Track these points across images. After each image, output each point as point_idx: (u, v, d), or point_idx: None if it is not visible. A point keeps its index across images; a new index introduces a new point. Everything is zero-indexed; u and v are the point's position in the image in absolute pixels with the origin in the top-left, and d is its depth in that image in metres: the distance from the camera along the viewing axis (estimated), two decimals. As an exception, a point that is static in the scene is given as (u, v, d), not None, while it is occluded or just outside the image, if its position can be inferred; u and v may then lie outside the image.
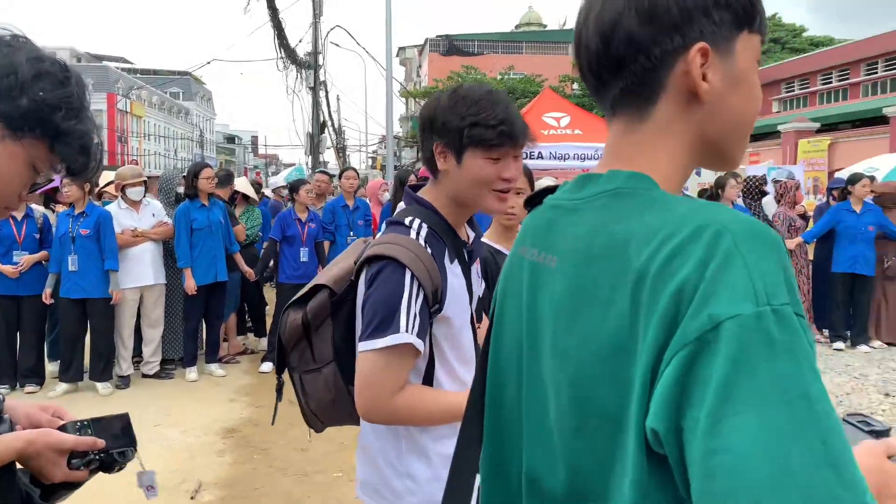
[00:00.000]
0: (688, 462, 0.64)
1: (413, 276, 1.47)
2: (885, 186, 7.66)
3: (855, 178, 7.24)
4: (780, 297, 0.65)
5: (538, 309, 0.88)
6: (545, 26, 53.22)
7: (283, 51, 17.05)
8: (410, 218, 1.57)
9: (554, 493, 0.84)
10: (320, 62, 18.03)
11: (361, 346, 1.49)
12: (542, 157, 9.71)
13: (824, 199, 9.33)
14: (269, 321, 7.21)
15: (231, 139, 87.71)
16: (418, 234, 1.54)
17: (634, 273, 0.72)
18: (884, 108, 13.37)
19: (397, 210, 1.65)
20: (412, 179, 5.93)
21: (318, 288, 1.67)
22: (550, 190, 0.97)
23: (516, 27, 54.08)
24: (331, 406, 1.70)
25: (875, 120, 14.84)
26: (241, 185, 7.66)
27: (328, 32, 21.24)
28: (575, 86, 33.57)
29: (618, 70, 0.83)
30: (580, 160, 9.81)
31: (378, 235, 1.63)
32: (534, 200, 1.00)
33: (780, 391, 0.61)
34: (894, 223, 7.10)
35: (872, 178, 7.57)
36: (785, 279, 0.66)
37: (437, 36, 48.04)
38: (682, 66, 0.80)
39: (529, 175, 2.53)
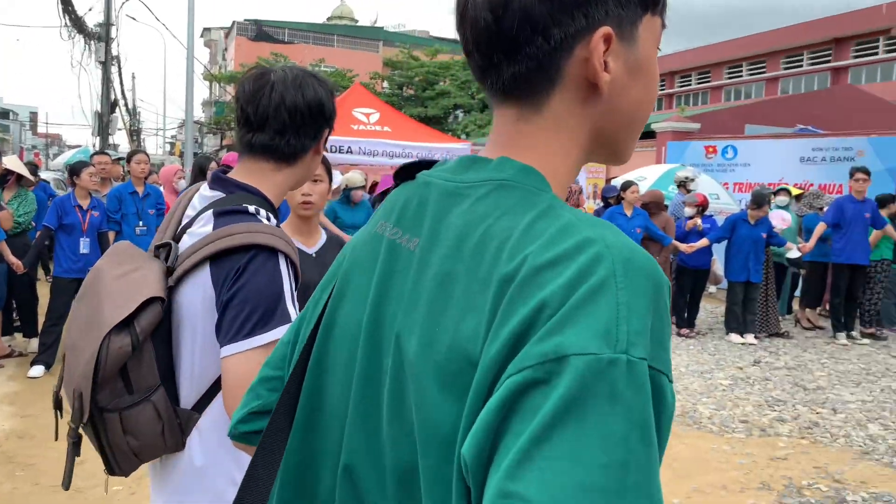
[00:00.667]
0: (483, 499, 0.55)
1: (288, 261, 1.34)
2: (650, 195, 8.39)
3: (626, 185, 7.85)
4: (640, 348, 0.56)
5: (389, 296, 0.75)
6: (356, 21, 52.94)
7: (68, 18, 15.34)
8: (253, 206, 1.38)
9: None
10: (113, 35, 16.46)
11: (237, 347, 1.27)
12: (351, 152, 9.57)
13: (602, 204, 10.05)
14: (41, 320, 6.36)
15: (5, 114, 78.18)
16: (269, 221, 1.37)
17: (500, 278, 0.62)
18: (653, 124, 14.71)
19: (206, 198, 1.43)
20: (213, 167, 5.54)
21: (145, 302, 1.33)
22: (425, 164, 0.83)
23: (328, 20, 53.27)
24: (159, 438, 1.38)
25: (645, 135, 16.32)
26: (13, 163, 6.71)
27: (123, 3, 19.83)
28: (385, 84, 33.75)
29: (511, 51, 0.71)
30: (389, 157, 9.78)
31: (213, 228, 1.37)
32: (404, 173, 0.85)
33: (601, 450, 0.53)
34: (659, 227, 7.79)
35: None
36: (652, 328, 0.58)
37: (246, 20, 46.04)
38: (583, 53, 0.70)
39: (326, 163, 2.35)
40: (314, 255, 2.36)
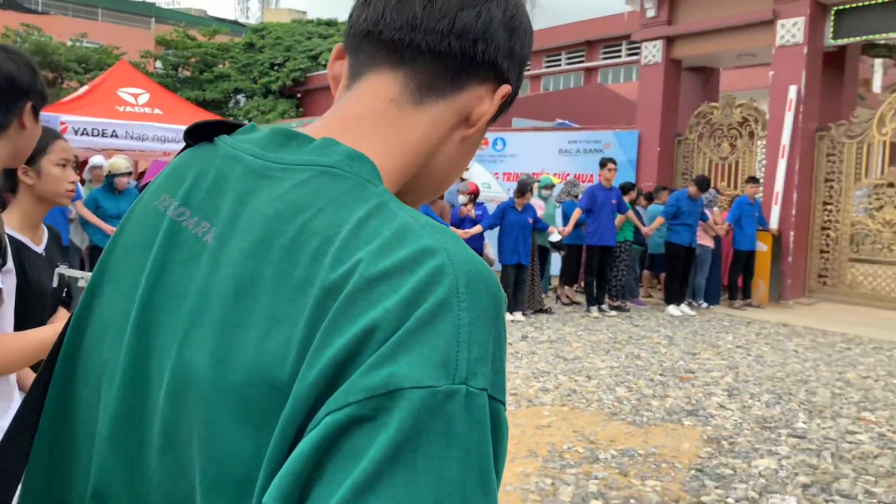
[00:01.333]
0: None
1: None
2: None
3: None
4: (481, 377, 0.48)
5: (167, 292, 0.61)
6: (124, -5, 48.45)
7: None
8: None
9: None
10: None
11: None
12: (116, 136, 8.73)
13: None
14: None
15: None
16: None
17: (322, 288, 0.51)
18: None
19: None
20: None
21: None
22: (227, 127, 0.68)
23: (91, -9, 48.19)
24: None
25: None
26: None
27: None
28: (158, 64, 31.29)
29: (436, 39, 0.63)
30: (160, 142, 9.07)
31: None
32: (198, 133, 0.69)
33: (433, 501, 0.45)
34: (436, 214, 8.03)
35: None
36: (493, 353, 0.50)
37: (-9, -16, 40.27)
38: (487, 90, 0.67)
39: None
40: (43, 253, 1.96)
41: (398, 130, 0.64)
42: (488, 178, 11.07)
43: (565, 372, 5.94)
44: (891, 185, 9.67)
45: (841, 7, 9.96)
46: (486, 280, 0.52)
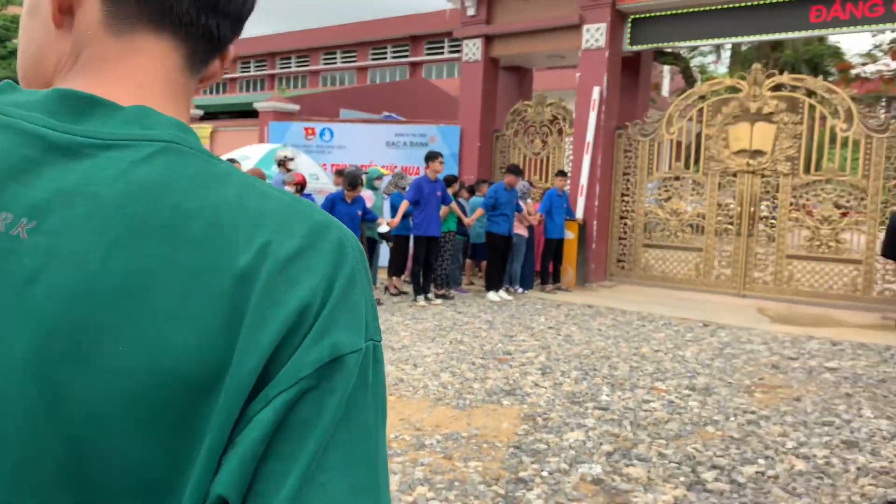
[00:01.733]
0: None
1: None
2: (252, 173, 8.34)
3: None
4: (375, 329, 0.54)
5: None
6: None
7: None
8: None
9: None
10: None
11: None
12: None
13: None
14: None
15: None
16: None
17: (233, 275, 0.49)
18: (254, 102, 14.62)
19: None
20: None
21: None
22: None
23: None
24: None
25: (248, 114, 16.10)
26: None
27: None
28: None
29: (224, 20, 0.60)
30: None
31: None
32: None
33: (365, 447, 0.51)
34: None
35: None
36: (374, 305, 0.56)
37: None
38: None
39: None
40: None
41: (185, 100, 0.62)
42: (316, 170, 10.88)
43: (393, 361, 6.00)
44: (677, 178, 10.73)
45: (636, 16, 10.85)
46: (360, 245, 0.56)
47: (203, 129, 15.65)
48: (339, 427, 0.49)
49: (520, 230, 9.66)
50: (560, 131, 11.50)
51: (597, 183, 10.77)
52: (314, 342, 0.50)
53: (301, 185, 8.38)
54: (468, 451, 4.00)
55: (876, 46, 20.14)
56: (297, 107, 14.32)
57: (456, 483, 3.54)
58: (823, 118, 9.46)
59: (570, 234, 10.33)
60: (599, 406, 4.86)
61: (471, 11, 12.12)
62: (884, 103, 23.07)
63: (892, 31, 16.79)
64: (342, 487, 0.49)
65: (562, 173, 10.28)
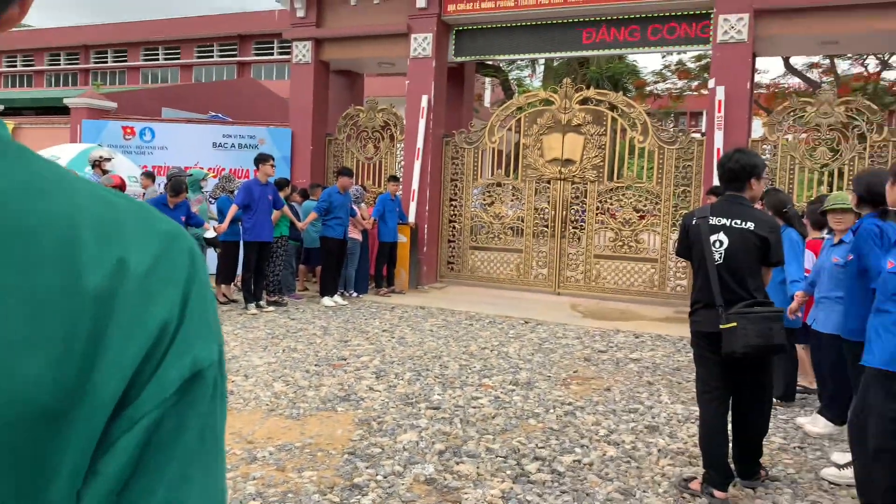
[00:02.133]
0: None
1: None
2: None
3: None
4: (220, 330, 0.53)
5: None
6: None
7: None
8: None
9: None
10: None
11: None
12: None
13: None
14: None
15: None
16: None
17: (88, 296, 0.45)
18: (65, 98, 13.30)
19: None
20: None
21: None
22: None
23: None
24: None
25: (58, 110, 14.63)
26: None
27: None
28: None
29: None
30: None
31: None
32: None
33: (219, 457, 0.52)
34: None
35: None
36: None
37: None
38: None
39: None
40: None
41: None
42: (136, 171, 10.10)
43: (223, 372, 5.70)
44: (499, 184, 11.20)
45: (460, 28, 11.18)
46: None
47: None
48: (197, 438, 0.50)
49: (354, 234, 9.59)
50: (392, 137, 11.58)
51: (427, 188, 10.96)
52: (175, 359, 0.49)
53: (120, 188, 7.73)
54: (302, 460, 3.90)
55: (665, 67, 22.34)
56: (113, 104, 13.21)
57: (290, 494, 3.44)
58: (624, 130, 10.30)
59: (403, 238, 10.43)
60: (432, 405, 4.94)
61: (300, 13, 11.85)
62: (672, 118, 25.62)
63: (678, 53, 18.64)
64: (199, 496, 0.50)
65: (394, 178, 10.36)
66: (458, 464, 3.89)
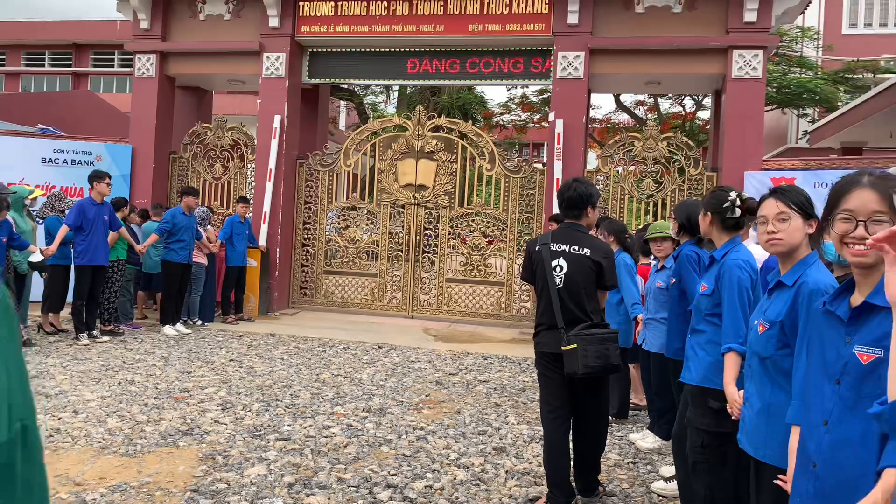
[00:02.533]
0: None
1: None
2: None
3: None
4: (28, 401, 0.50)
5: None
6: None
7: None
8: None
9: None
10: None
11: None
12: None
13: None
14: None
15: None
16: None
17: None
18: None
19: None
20: None
21: None
22: None
23: None
24: None
25: None
26: None
27: None
28: None
29: None
30: None
31: None
32: None
33: None
34: None
35: None
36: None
37: None
38: None
39: None
40: None
41: None
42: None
43: (47, 410, 5.16)
44: (353, 208, 11.14)
45: (314, 50, 11.06)
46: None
47: None
48: None
49: (199, 258, 9.11)
50: (242, 157, 11.17)
51: (280, 210, 10.66)
52: None
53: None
54: (139, 501, 3.60)
55: (510, 99, 23.43)
56: (-81, 111, 11.72)
57: (123, 545, 3.15)
58: (473, 158, 10.64)
59: (253, 262, 10.05)
60: (281, 437, 4.76)
61: (144, 25, 11.19)
62: (517, 149, 26.87)
63: (523, 87, 19.63)
64: None
65: (244, 199, 9.98)
66: (308, 496, 3.77)
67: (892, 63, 17.90)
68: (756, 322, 2.35)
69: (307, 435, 4.84)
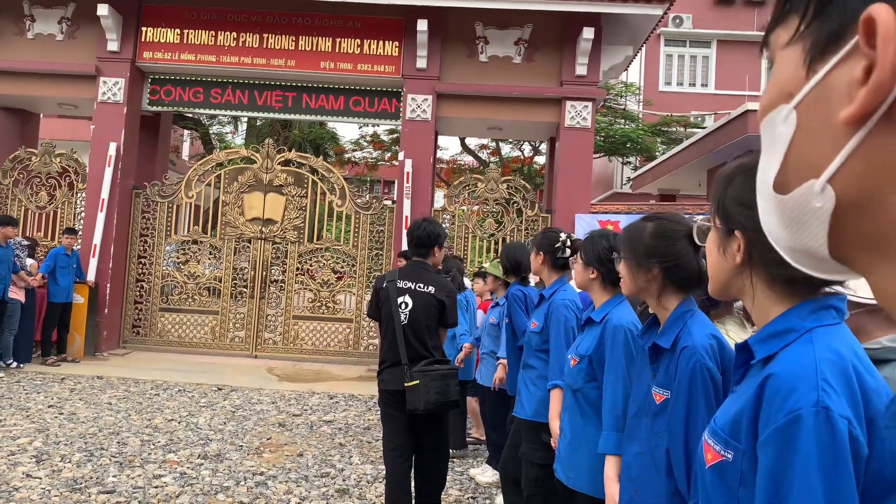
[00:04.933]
0: None
1: None
2: None
3: None
4: None
5: None
6: None
7: None
8: None
9: None
10: None
11: None
12: None
13: None
14: None
15: None
16: None
17: None
18: None
19: None
20: None
21: None
22: None
23: None
24: None
25: None
26: None
27: None
28: None
29: None
30: None
31: None
32: None
33: None
34: None
35: None
36: None
37: None
38: None
39: None
40: None
41: None
42: None
43: None
44: (195, 241, 10.59)
45: (156, 76, 10.51)
46: None
47: None
48: None
49: (15, 293, 8.21)
50: (71, 185, 10.30)
51: (112, 243, 9.90)
52: None
53: None
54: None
55: (362, 137, 23.59)
56: None
57: None
58: (324, 194, 10.55)
59: (80, 298, 9.22)
60: (105, 489, 4.37)
61: (-43, 39, 10.10)
62: (368, 185, 27.01)
63: (374, 125, 19.84)
64: None
65: (71, 231, 9.17)
66: (132, 555, 3.47)
67: (699, 119, 20.12)
68: (569, 356, 2.51)
69: (135, 486, 4.47)
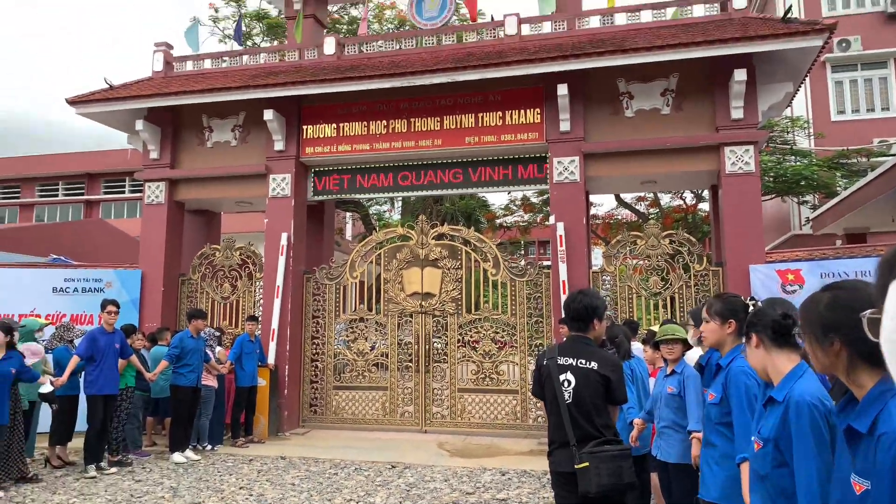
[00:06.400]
0: None
1: None
2: None
3: None
4: None
5: None
6: None
7: None
8: None
9: None
10: None
11: None
12: None
13: None
14: None
15: None
16: None
17: None
18: None
19: None
20: None
21: None
22: None
23: None
24: None
25: None
26: None
27: None
28: None
29: None
30: None
31: None
32: None
33: None
34: None
35: None
36: None
37: None
38: None
39: None
40: None
41: None
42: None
43: (51, 554, 5.02)
44: (361, 319, 11.17)
45: (318, 169, 11.47)
46: None
47: None
48: None
49: (208, 381, 9.08)
50: (250, 275, 11.36)
51: (288, 326, 10.72)
52: None
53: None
54: None
55: (511, 201, 23.94)
56: (-64, 248, 12.08)
57: None
58: (478, 262, 10.77)
59: (263, 381, 10.00)
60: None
61: (154, 155, 11.71)
62: (523, 248, 27.15)
63: (522, 191, 20.08)
64: None
65: (253, 318, 10.06)
66: None
67: (884, 147, 18.31)
68: (753, 438, 2.32)
69: (319, 569, 4.65)
